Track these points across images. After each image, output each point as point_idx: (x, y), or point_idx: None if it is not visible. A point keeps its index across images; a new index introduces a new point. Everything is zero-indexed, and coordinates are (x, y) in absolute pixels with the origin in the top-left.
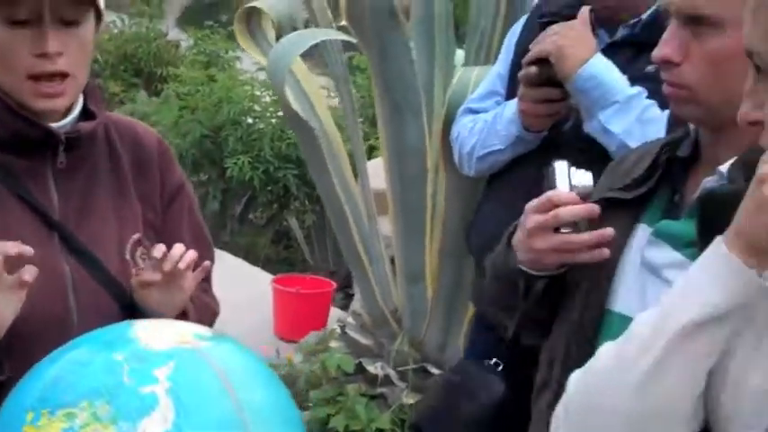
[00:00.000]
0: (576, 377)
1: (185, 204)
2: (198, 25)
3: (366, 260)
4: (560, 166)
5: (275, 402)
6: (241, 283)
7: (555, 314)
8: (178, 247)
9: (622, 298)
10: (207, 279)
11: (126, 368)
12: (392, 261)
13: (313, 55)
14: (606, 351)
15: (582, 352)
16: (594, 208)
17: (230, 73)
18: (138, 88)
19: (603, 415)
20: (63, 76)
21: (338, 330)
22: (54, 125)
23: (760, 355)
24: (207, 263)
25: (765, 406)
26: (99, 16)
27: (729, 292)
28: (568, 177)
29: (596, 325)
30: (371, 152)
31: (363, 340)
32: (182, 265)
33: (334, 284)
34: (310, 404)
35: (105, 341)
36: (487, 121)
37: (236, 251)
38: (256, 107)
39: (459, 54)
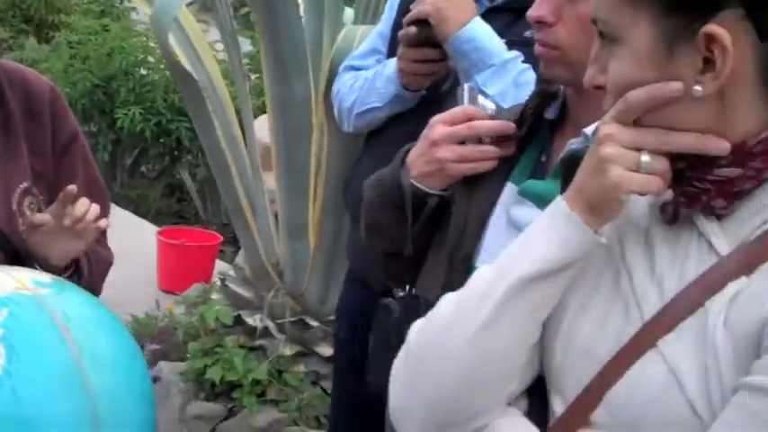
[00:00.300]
0: (417, 325)
1: (79, 154)
2: None
3: (250, 214)
4: (469, 88)
5: (117, 350)
6: (128, 235)
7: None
8: (83, 202)
9: (488, 255)
10: (103, 232)
11: None
12: (276, 216)
13: (207, 10)
14: (447, 301)
15: None
16: (510, 125)
17: (124, 23)
18: (27, 35)
19: (441, 361)
20: None
21: (219, 283)
22: None
23: (592, 306)
24: (104, 220)
25: (590, 356)
26: None
27: (566, 248)
28: (477, 99)
29: (463, 281)
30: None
31: (244, 293)
32: (90, 217)
33: (221, 238)
34: (188, 355)
35: None
36: (368, 78)
37: (126, 203)
38: (150, 58)
39: (349, 12)
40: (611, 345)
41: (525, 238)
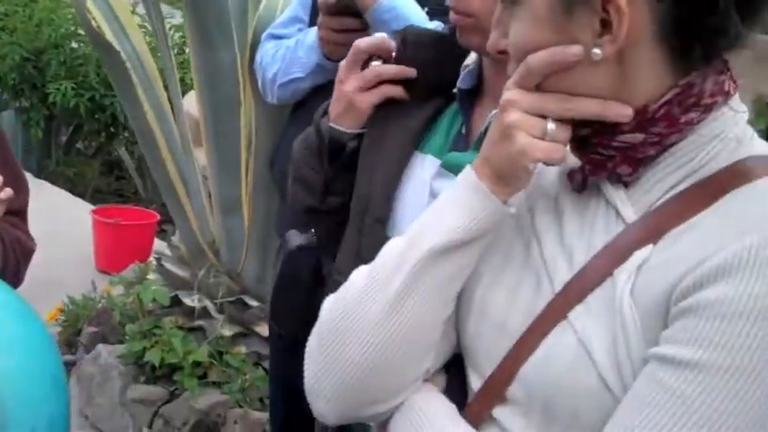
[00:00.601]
0: (328, 304)
1: None
2: None
3: (182, 192)
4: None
5: (21, 331)
6: (64, 214)
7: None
8: None
9: (403, 227)
10: (20, 214)
11: None
12: (209, 193)
13: None
14: (358, 276)
15: None
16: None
17: None
18: None
19: (352, 341)
20: None
21: (155, 263)
22: None
23: (504, 278)
24: (7, 190)
25: (503, 328)
26: None
27: (475, 218)
28: None
29: (375, 254)
30: None
31: (180, 273)
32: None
33: (157, 216)
34: (126, 337)
35: None
36: (289, 47)
37: (63, 182)
38: (80, 31)
39: None
40: (524, 317)
41: (435, 209)
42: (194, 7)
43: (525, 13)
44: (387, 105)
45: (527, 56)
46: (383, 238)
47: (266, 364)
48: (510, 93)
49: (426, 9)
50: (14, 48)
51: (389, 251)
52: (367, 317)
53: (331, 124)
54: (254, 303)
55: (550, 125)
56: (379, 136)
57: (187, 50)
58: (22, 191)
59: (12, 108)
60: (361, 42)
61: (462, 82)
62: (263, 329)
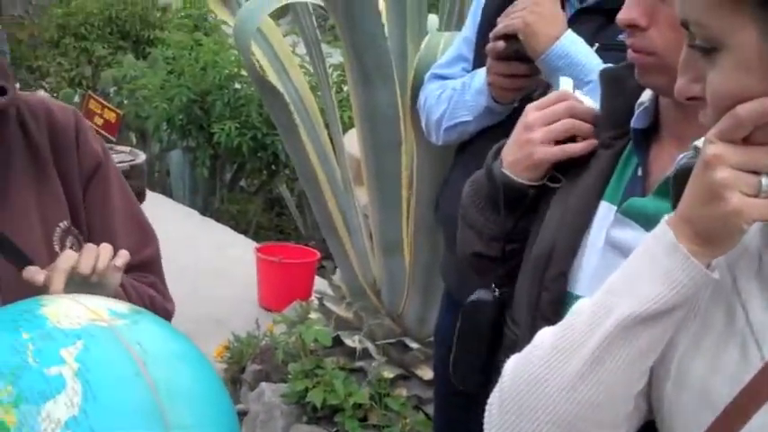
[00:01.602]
0: (512, 365)
1: (103, 183)
2: None
3: (343, 231)
4: (566, 81)
5: (200, 386)
6: (228, 251)
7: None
8: (87, 254)
9: (585, 281)
10: (150, 268)
11: (31, 348)
12: (371, 232)
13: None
14: (542, 341)
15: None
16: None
17: (217, 37)
18: (125, 51)
19: (536, 407)
20: None
21: (317, 302)
22: None
23: (703, 344)
24: (123, 253)
25: (706, 399)
26: None
27: (676, 285)
28: (572, 91)
29: (557, 309)
30: None
31: (342, 313)
32: (101, 266)
33: (318, 254)
34: (289, 376)
35: (11, 319)
36: (456, 89)
37: (226, 219)
38: (243, 72)
39: (433, 19)
40: (729, 387)
41: (628, 271)
42: (354, 48)
43: (729, 59)
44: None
45: (730, 105)
46: (564, 293)
47: (427, 408)
48: (715, 147)
49: (598, 44)
50: (182, 90)
51: (579, 315)
52: (553, 386)
53: (505, 171)
54: (414, 345)
55: (765, 181)
56: (567, 185)
57: (345, 88)
58: (148, 243)
59: (180, 147)
60: (576, 106)
61: (637, 121)
62: (424, 372)
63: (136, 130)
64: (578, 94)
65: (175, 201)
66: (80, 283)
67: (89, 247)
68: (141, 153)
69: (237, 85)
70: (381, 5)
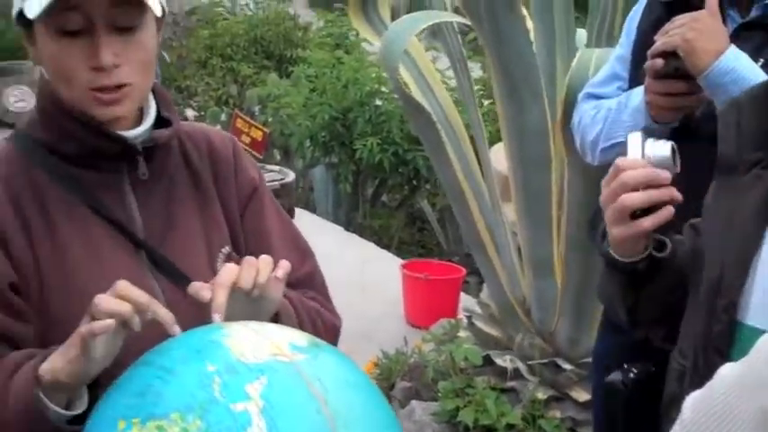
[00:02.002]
0: (693, 402)
1: (260, 208)
2: (327, 7)
3: (491, 248)
4: (634, 137)
5: (377, 421)
6: (372, 267)
7: (679, 314)
8: (248, 264)
9: (757, 310)
10: (309, 284)
11: (218, 381)
12: (519, 249)
13: (436, 37)
14: (724, 377)
15: (713, 368)
16: (660, 174)
17: (357, 55)
18: (269, 70)
19: None
20: (123, 86)
21: (465, 320)
22: (128, 134)
23: None
24: (284, 264)
25: None
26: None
27: None
28: (641, 147)
29: (727, 340)
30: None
31: (492, 331)
32: (261, 280)
33: (464, 271)
34: (439, 394)
35: (196, 349)
36: (611, 109)
37: (369, 234)
38: (384, 89)
39: (582, 34)
40: None
41: None
42: (502, 65)
43: None
44: (725, 174)
45: None
46: (735, 323)
47: (582, 430)
48: None
49: (762, 60)
50: (324, 107)
51: (765, 351)
52: (740, 420)
53: (608, 250)
54: (567, 366)
55: None
56: (724, 212)
57: (485, 103)
58: (306, 259)
59: (323, 164)
60: (627, 177)
61: None
62: (579, 394)
63: (280, 148)
64: (650, 142)
65: (319, 216)
66: (242, 298)
67: (248, 260)
68: (290, 172)
69: (378, 102)
70: (529, 22)
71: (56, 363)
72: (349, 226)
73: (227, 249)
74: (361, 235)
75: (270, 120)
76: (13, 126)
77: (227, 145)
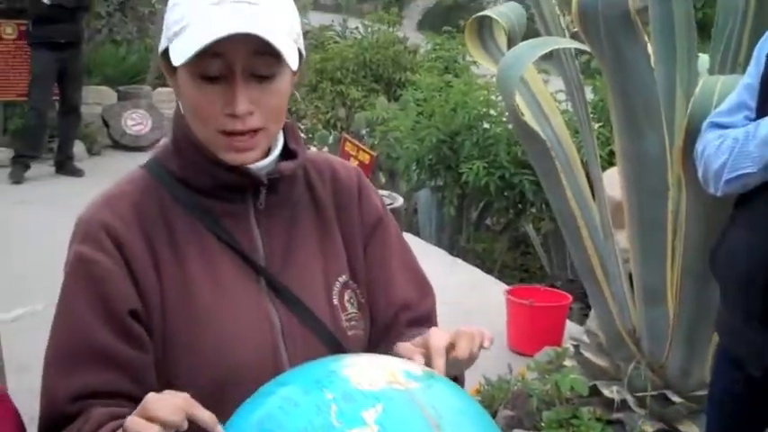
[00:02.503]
0: None
1: (384, 239)
2: (436, 30)
3: (601, 277)
4: None
5: None
6: (476, 291)
7: None
8: (466, 336)
9: None
10: (430, 320)
11: (335, 408)
12: (630, 278)
13: (549, 59)
14: None
15: None
16: None
17: (466, 78)
18: (377, 94)
19: None
20: (254, 131)
21: (572, 349)
22: (255, 166)
23: None
24: (487, 335)
25: None
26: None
27: None
28: None
29: None
30: (612, 157)
31: (599, 361)
32: (475, 350)
33: (570, 298)
34: (543, 424)
35: (315, 379)
36: (738, 139)
37: (472, 257)
38: (492, 112)
39: (704, 59)
40: None
41: None
42: (622, 92)
43: None
44: None
45: None
46: None
47: None
48: None
49: None
50: (432, 130)
51: None
52: None
53: None
54: (677, 399)
55: None
56: None
57: (596, 126)
58: (427, 295)
59: (428, 187)
60: None
61: None
62: (689, 428)
63: (385, 171)
64: None
65: (422, 239)
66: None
67: (468, 333)
68: (399, 197)
69: (486, 125)
70: (650, 48)
71: None
72: (452, 249)
73: (344, 278)
74: (464, 258)
75: (377, 143)
76: (130, 148)
77: (351, 175)
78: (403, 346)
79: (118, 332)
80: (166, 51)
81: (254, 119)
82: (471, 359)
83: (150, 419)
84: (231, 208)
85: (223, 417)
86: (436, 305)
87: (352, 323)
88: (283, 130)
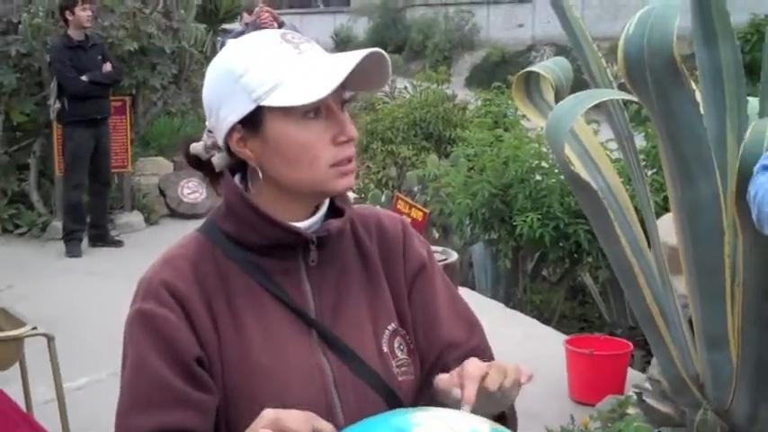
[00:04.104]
0: None
1: (428, 281)
2: (484, 86)
3: (661, 323)
4: None
5: None
6: (534, 342)
7: None
8: (497, 368)
9: None
10: (481, 355)
11: None
12: (690, 323)
13: (597, 108)
14: None
15: None
16: None
17: (516, 131)
18: (428, 152)
19: None
20: (352, 158)
21: (635, 397)
22: (303, 224)
23: None
24: (525, 373)
25: None
26: None
27: None
28: None
29: None
30: (667, 203)
31: (663, 408)
32: (507, 384)
33: (631, 345)
34: None
35: None
36: None
37: (529, 309)
38: (544, 164)
39: (754, 103)
40: None
41: None
42: (672, 139)
43: None
44: None
45: None
46: None
47: None
48: None
49: None
50: (484, 185)
51: None
52: None
53: None
54: None
55: None
56: None
57: (648, 173)
58: (474, 333)
59: (482, 241)
60: None
61: None
62: None
63: (438, 227)
64: None
65: (478, 293)
66: (483, 392)
67: (498, 365)
68: (453, 252)
69: (538, 177)
70: (698, 94)
71: None
72: (509, 302)
73: (392, 326)
74: (521, 310)
75: (429, 199)
76: (187, 216)
77: (396, 224)
78: (441, 377)
79: (187, 378)
80: (248, 116)
81: (350, 146)
82: (505, 395)
83: (282, 431)
84: (283, 265)
85: None
86: (487, 342)
87: (403, 369)
88: None
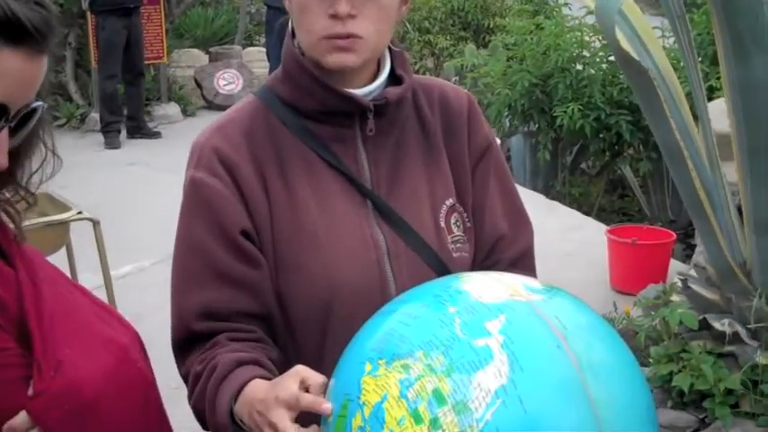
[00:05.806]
0: None
1: (491, 166)
2: None
3: (709, 210)
4: None
5: (617, 361)
6: (575, 234)
7: None
8: None
9: None
10: (529, 266)
11: (458, 321)
12: (739, 210)
13: None
14: None
15: None
16: None
17: (557, 20)
18: (466, 41)
19: None
20: (354, 36)
21: (679, 284)
22: (360, 91)
23: None
24: None
25: None
26: None
27: None
28: None
29: None
30: (711, 93)
31: (708, 295)
32: None
33: (674, 235)
34: (650, 360)
35: (435, 294)
36: None
37: (568, 202)
38: (585, 53)
39: None
40: None
41: None
42: (727, 16)
43: None
44: None
45: None
46: None
47: None
48: None
49: None
50: (524, 74)
51: None
52: None
53: None
54: None
55: None
56: None
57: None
58: (524, 231)
59: (520, 132)
60: None
61: None
62: None
63: None
64: None
65: (517, 185)
66: None
67: None
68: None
69: (579, 67)
70: None
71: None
72: (548, 194)
73: (450, 202)
74: (560, 203)
75: (467, 90)
76: (223, 108)
77: (461, 99)
78: None
79: (233, 252)
80: None
81: (354, 23)
82: None
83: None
84: (339, 133)
85: (329, 333)
86: (533, 241)
87: (458, 245)
88: (391, 56)
